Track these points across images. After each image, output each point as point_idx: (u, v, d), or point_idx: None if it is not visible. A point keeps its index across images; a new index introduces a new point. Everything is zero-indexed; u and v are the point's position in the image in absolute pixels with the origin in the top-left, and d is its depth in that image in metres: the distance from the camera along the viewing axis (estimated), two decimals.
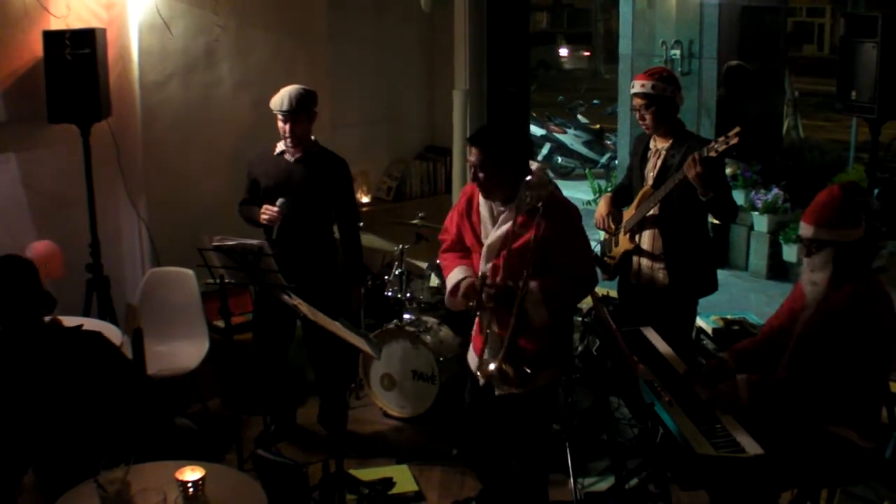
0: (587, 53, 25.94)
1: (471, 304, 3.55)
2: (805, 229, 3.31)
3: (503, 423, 3.71)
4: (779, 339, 3.48)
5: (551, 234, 3.40)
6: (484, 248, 3.52)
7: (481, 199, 3.55)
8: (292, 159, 4.49)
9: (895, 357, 3.26)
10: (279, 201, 4.39)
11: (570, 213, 3.51)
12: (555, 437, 4.49)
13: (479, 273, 3.53)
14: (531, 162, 3.49)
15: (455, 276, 3.64)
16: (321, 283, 4.48)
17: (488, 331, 3.55)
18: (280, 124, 4.42)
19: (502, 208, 3.47)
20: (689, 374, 3.52)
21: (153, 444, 3.15)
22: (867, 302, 3.18)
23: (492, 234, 3.49)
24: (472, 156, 3.42)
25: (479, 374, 3.55)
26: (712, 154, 3.81)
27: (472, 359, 3.76)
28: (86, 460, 2.87)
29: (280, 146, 4.54)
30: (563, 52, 26.06)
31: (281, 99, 4.38)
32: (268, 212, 4.41)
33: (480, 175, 3.41)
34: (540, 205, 3.38)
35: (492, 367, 3.44)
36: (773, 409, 3.27)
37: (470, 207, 3.63)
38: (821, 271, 3.28)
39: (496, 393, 3.58)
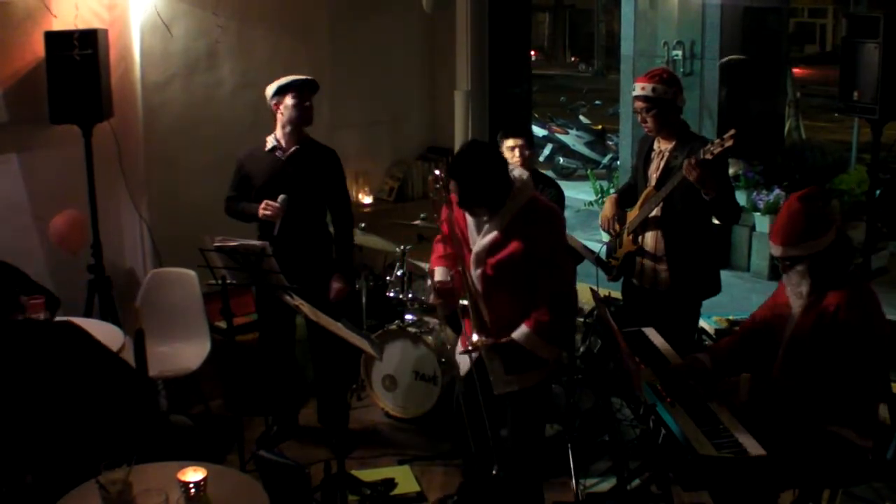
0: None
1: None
2: (774, 249, 3.30)
3: (494, 418, 3.71)
4: (758, 340, 3.48)
5: (535, 244, 3.38)
6: (472, 256, 3.51)
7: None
8: (284, 157, 4.46)
9: (889, 355, 3.26)
10: (280, 197, 4.35)
11: (552, 221, 3.47)
12: (556, 438, 4.49)
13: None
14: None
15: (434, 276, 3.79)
16: (320, 280, 4.47)
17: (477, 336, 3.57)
18: (290, 101, 4.38)
19: (485, 218, 3.46)
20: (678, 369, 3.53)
21: (148, 439, 3.13)
22: (852, 305, 3.16)
23: (478, 242, 3.49)
24: (452, 186, 3.42)
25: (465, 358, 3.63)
26: (708, 157, 3.80)
27: (460, 358, 3.75)
28: (82, 454, 2.85)
29: (271, 141, 4.49)
30: None
31: (291, 77, 4.40)
32: (269, 207, 4.35)
33: (459, 202, 3.44)
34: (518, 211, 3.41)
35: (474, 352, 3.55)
36: (773, 410, 3.27)
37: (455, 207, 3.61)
38: (800, 285, 3.28)
39: (495, 392, 3.57)
